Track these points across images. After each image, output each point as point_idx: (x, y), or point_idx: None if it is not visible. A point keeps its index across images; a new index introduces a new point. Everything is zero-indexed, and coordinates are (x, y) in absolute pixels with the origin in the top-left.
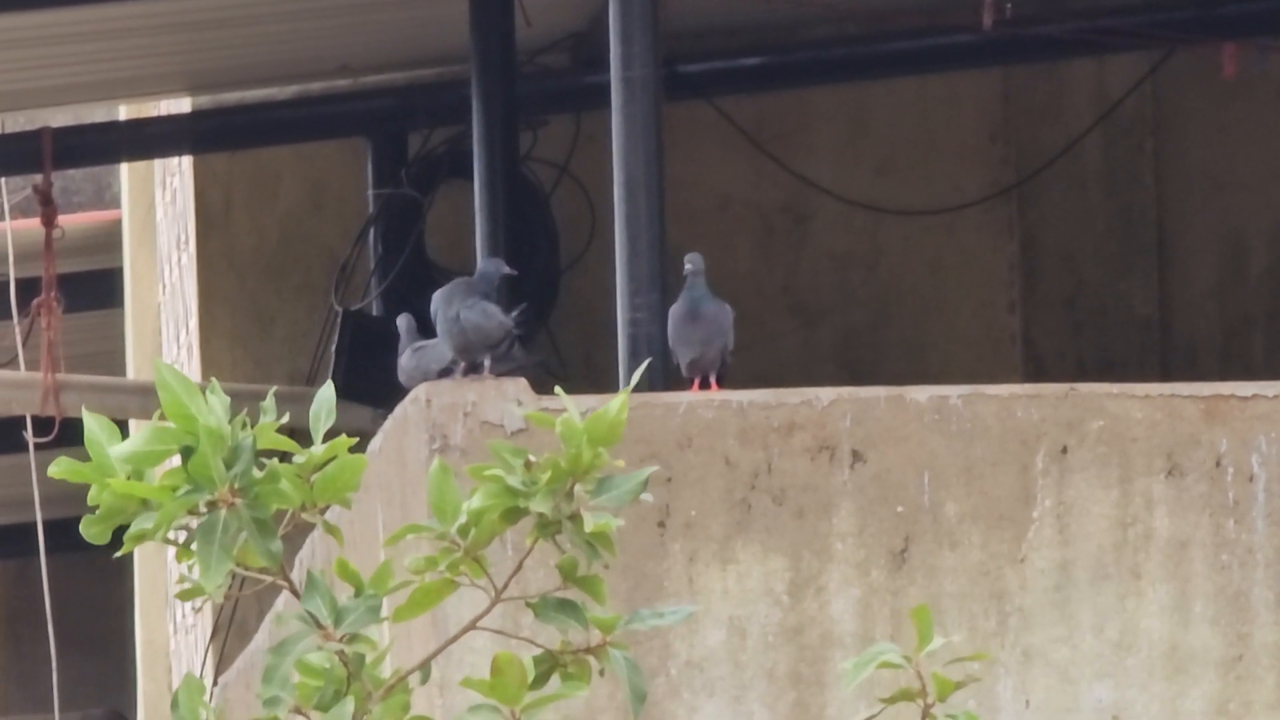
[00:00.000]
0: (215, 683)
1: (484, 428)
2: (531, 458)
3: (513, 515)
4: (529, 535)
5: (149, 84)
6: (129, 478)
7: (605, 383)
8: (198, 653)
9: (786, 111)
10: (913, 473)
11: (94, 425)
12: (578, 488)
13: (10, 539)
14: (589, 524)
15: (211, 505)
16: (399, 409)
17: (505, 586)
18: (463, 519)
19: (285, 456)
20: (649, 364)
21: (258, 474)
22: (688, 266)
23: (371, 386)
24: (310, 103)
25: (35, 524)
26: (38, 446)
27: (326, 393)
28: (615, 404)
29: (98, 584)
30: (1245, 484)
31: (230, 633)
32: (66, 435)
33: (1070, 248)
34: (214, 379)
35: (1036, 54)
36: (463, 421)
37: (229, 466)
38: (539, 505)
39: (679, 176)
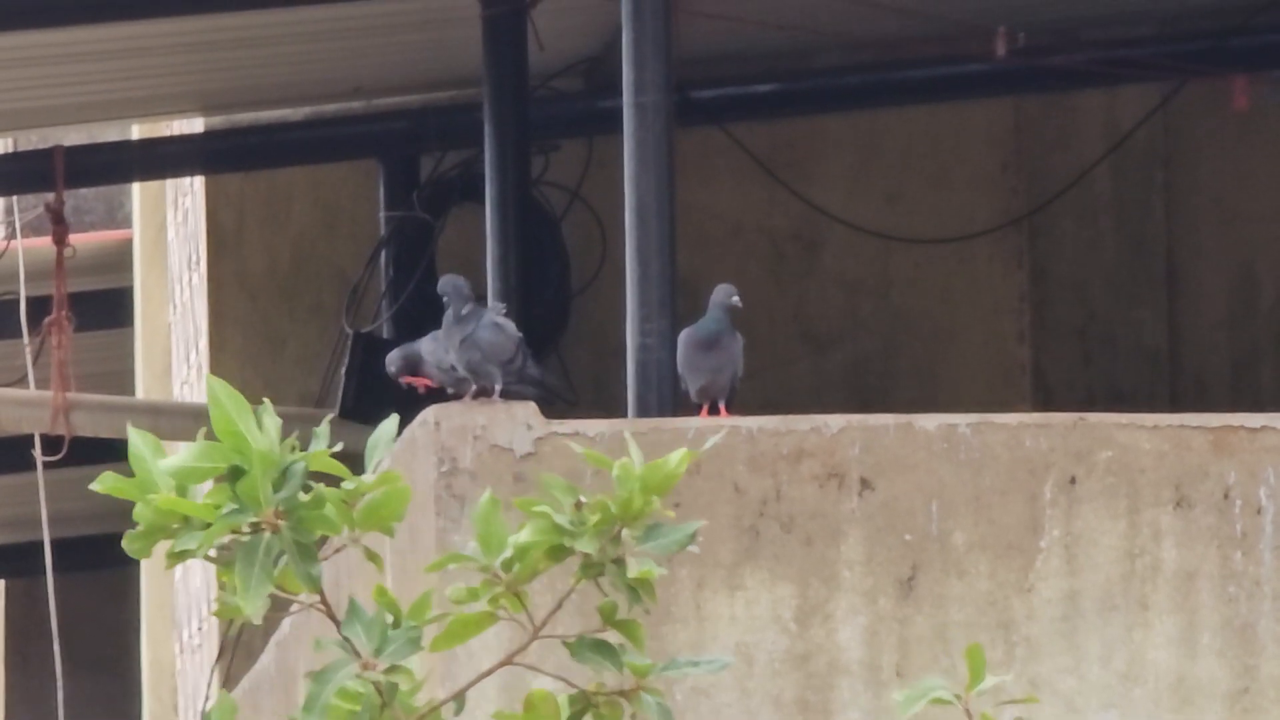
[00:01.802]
0: None
1: (493, 451)
2: (583, 498)
3: (558, 553)
4: (573, 575)
5: (162, 103)
6: (172, 491)
7: (615, 407)
8: (203, 673)
9: (798, 138)
10: (921, 501)
11: (139, 441)
12: (625, 532)
13: (18, 558)
14: (633, 569)
15: (255, 526)
16: (407, 431)
17: (544, 623)
18: (507, 553)
19: (328, 479)
20: (720, 438)
21: (303, 498)
22: (734, 299)
23: (381, 409)
24: (323, 124)
25: (43, 543)
26: (46, 465)
27: (389, 425)
28: (676, 456)
29: (104, 604)
30: (1253, 516)
31: (236, 653)
32: (75, 454)
33: (1080, 278)
34: (267, 400)
35: (1048, 84)
36: (472, 445)
37: (276, 489)
38: (586, 546)
39: (690, 202)
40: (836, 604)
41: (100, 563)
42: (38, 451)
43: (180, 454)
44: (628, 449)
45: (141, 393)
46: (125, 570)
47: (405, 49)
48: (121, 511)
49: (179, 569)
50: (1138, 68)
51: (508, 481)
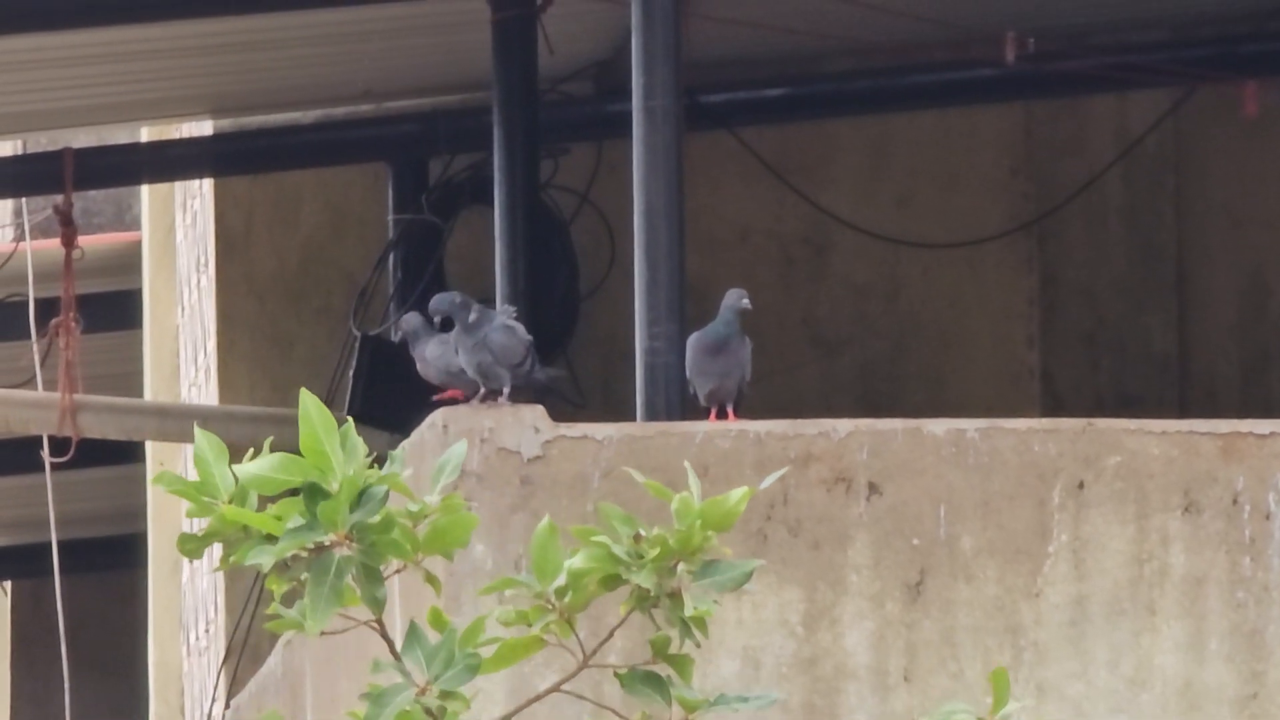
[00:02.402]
0: (228, 706)
1: (500, 454)
2: (641, 531)
3: (612, 583)
4: (623, 605)
5: (171, 106)
6: (235, 498)
7: (623, 411)
8: (210, 676)
9: (808, 143)
10: (929, 505)
11: (204, 444)
12: (681, 566)
13: (25, 559)
14: (689, 606)
15: (320, 545)
16: (415, 434)
17: (594, 652)
18: (561, 580)
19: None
20: (781, 474)
21: (373, 520)
22: (744, 302)
23: (389, 411)
24: (332, 127)
25: (50, 545)
26: (54, 467)
27: (459, 449)
28: (736, 494)
29: (111, 605)
30: (1262, 522)
31: (243, 656)
32: (83, 456)
33: (1090, 283)
34: (351, 419)
35: (1059, 89)
36: (479, 448)
37: (351, 510)
38: (643, 579)
39: (699, 206)
40: (844, 608)
41: (107, 564)
42: (45, 453)
43: (258, 462)
44: (640, 455)
45: (149, 395)
46: (132, 572)
47: (415, 52)
48: (129, 513)
49: (186, 570)
50: (1148, 73)
51: (515, 485)
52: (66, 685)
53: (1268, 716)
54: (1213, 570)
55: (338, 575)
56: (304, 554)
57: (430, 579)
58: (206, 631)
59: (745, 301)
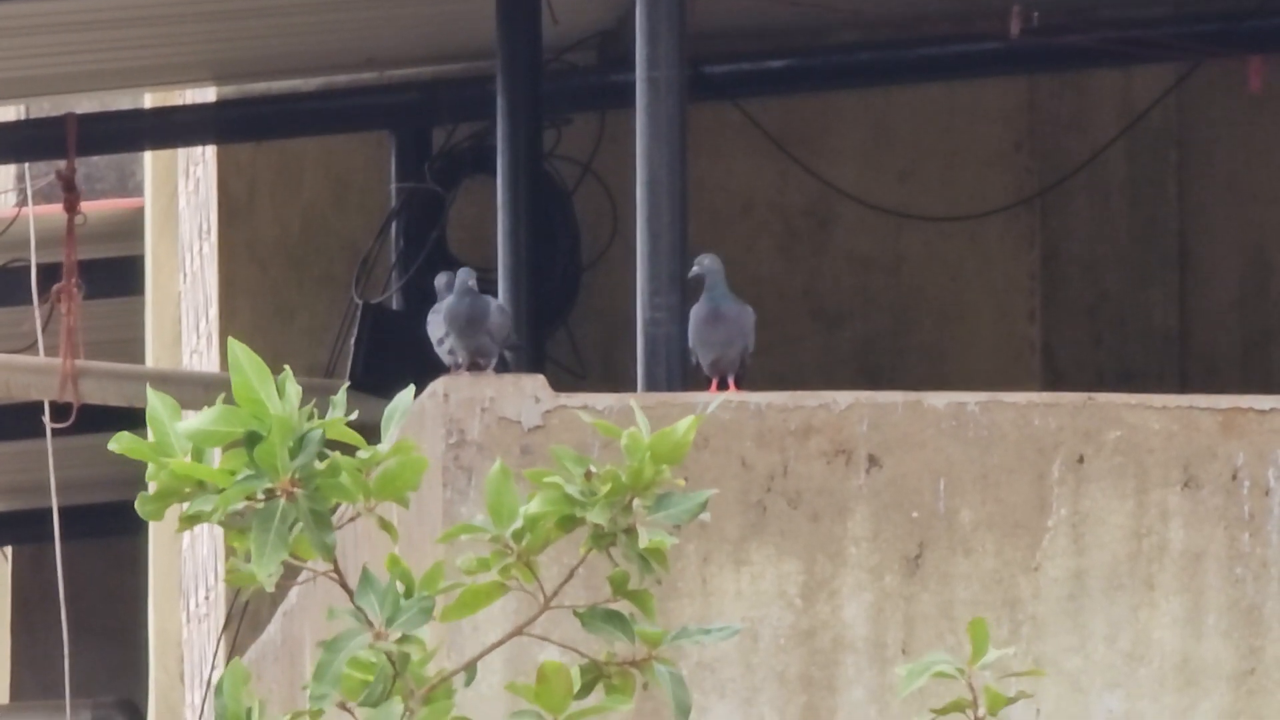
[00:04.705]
0: None
1: (501, 423)
2: (593, 468)
3: (568, 523)
4: (582, 545)
5: (175, 72)
6: (189, 456)
7: (624, 382)
8: (210, 642)
9: (811, 115)
10: (928, 478)
11: (157, 404)
12: (636, 502)
13: (25, 525)
14: (644, 539)
15: (270, 493)
16: (416, 403)
17: (555, 594)
18: (518, 523)
19: (343, 448)
20: (722, 399)
21: (319, 465)
22: (694, 269)
23: (390, 380)
24: (335, 95)
25: (51, 510)
26: (55, 432)
27: (405, 395)
28: (684, 425)
29: (111, 572)
30: (1261, 497)
31: (242, 623)
32: (84, 422)
33: (1092, 258)
34: (288, 367)
35: (1063, 63)
36: (480, 417)
37: (293, 456)
38: (596, 516)
39: (702, 178)
40: (842, 580)
41: (108, 530)
42: (47, 418)
43: (198, 417)
44: (636, 422)
45: (151, 361)
46: (132, 538)
47: (419, 21)
48: (130, 479)
49: (186, 537)
50: (1153, 48)
51: (515, 454)
52: (66, 650)
53: (1265, 692)
54: (1211, 545)
55: (283, 522)
56: (260, 504)
57: (385, 525)
58: (206, 598)
59: (696, 268)
